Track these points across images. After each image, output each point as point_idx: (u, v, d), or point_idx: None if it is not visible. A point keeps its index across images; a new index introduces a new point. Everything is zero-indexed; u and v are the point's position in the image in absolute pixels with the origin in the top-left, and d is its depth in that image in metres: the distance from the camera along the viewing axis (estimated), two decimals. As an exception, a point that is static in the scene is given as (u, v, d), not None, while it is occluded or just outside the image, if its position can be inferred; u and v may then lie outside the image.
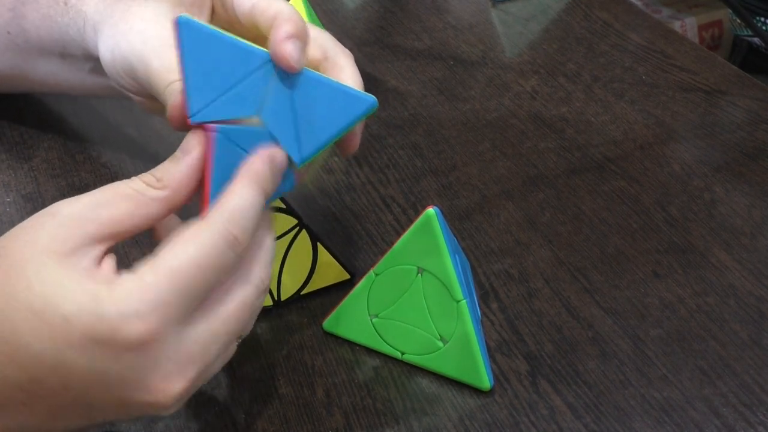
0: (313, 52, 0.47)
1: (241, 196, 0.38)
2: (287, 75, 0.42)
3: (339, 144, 0.45)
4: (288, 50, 0.41)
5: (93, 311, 0.34)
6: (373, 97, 0.43)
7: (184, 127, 0.42)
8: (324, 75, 0.43)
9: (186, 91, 0.41)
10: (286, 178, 0.43)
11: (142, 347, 0.35)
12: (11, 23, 0.60)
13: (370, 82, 0.77)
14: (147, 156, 0.66)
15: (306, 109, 0.42)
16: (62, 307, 0.34)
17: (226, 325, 0.38)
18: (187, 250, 0.36)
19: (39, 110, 0.71)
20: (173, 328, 0.36)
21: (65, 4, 0.56)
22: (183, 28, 0.41)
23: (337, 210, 0.62)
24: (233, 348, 0.40)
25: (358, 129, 0.46)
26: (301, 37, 0.42)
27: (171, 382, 0.36)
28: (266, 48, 0.42)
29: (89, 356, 0.35)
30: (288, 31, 0.41)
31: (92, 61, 0.55)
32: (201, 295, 0.37)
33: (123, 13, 0.51)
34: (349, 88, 0.43)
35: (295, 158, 0.42)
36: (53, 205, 0.37)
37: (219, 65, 0.41)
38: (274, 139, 0.42)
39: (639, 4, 1.49)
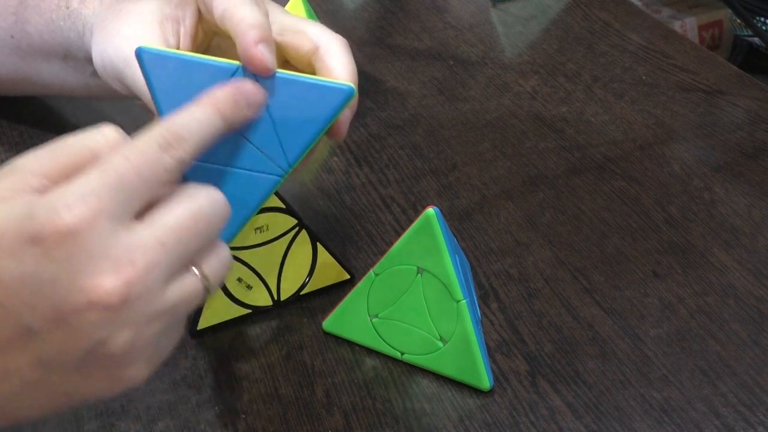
0: (305, 43, 0.47)
1: (186, 111, 0.38)
2: (258, 81, 0.41)
3: (327, 134, 0.44)
4: (260, 54, 0.41)
5: (23, 214, 0.34)
6: (350, 85, 0.42)
7: None
8: (295, 73, 0.42)
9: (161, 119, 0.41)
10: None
11: (71, 238, 0.33)
12: (14, 27, 0.60)
13: (370, 82, 0.77)
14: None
15: (284, 112, 0.41)
16: None
17: (174, 233, 0.36)
18: (120, 150, 0.36)
19: (39, 110, 0.71)
20: (106, 222, 0.34)
21: (67, 7, 0.56)
22: (144, 57, 0.41)
23: (337, 210, 0.62)
24: (194, 284, 0.37)
25: (345, 117, 0.45)
26: (268, 41, 0.42)
27: (104, 277, 0.34)
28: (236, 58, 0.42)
29: (19, 259, 0.33)
30: (255, 37, 0.41)
31: (94, 66, 0.55)
32: (136, 195, 0.35)
33: (114, 17, 0.51)
34: (324, 80, 0.42)
35: (282, 164, 0.42)
36: (17, 158, 0.37)
37: (188, 87, 0.41)
38: (252, 145, 0.42)
39: (639, 4, 1.49)
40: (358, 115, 0.71)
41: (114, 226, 0.34)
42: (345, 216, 0.62)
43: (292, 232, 0.52)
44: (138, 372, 0.37)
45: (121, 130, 0.38)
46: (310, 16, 0.72)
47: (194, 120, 0.38)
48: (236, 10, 0.43)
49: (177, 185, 0.38)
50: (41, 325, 0.34)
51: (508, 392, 0.49)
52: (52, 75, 0.61)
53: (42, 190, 0.35)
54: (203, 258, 0.38)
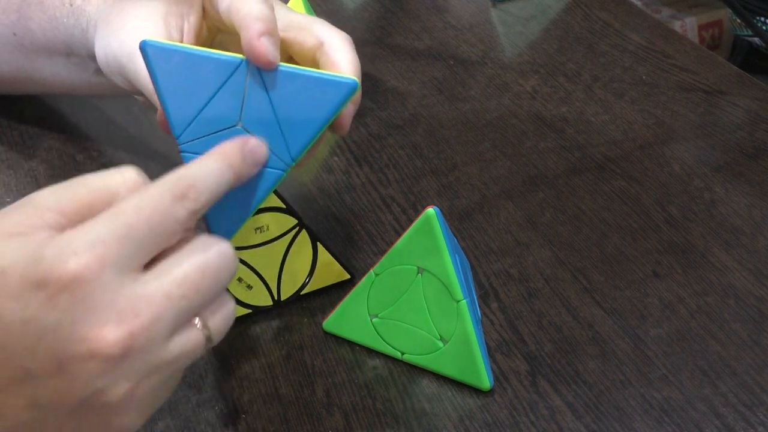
0: (309, 39, 0.47)
1: (198, 162, 0.38)
2: (261, 75, 0.41)
3: (330, 128, 0.44)
4: (263, 47, 0.41)
5: (31, 257, 0.33)
6: (354, 78, 0.42)
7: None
8: (299, 66, 0.42)
9: (166, 115, 0.41)
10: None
11: (77, 286, 0.33)
12: (17, 25, 0.60)
13: (370, 82, 0.77)
14: (147, 155, 0.66)
15: (287, 105, 0.41)
16: (1, 262, 0.34)
17: (180, 288, 0.35)
18: (131, 198, 0.35)
19: (39, 110, 0.71)
20: (113, 272, 0.34)
21: (71, 5, 0.56)
22: (149, 51, 0.41)
23: (337, 210, 0.62)
24: (197, 338, 0.37)
25: (348, 111, 0.46)
26: (273, 34, 0.42)
27: (107, 328, 0.33)
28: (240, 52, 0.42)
29: (23, 303, 0.33)
30: (259, 29, 0.41)
31: (96, 61, 0.55)
32: (145, 245, 0.35)
33: (118, 12, 0.51)
34: (328, 74, 0.42)
35: (285, 158, 0.42)
36: (36, 192, 0.37)
37: (192, 81, 0.41)
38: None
39: (639, 4, 1.49)
40: (358, 115, 0.71)
41: (120, 277, 0.34)
42: (345, 216, 0.62)
43: (293, 232, 0.52)
44: (131, 421, 0.36)
45: (141, 173, 0.38)
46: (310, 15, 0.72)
47: (207, 171, 0.37)
48: (242, 4, 0.43)
49: (189, 233, 0.37)
50: (40, 370, 0.34)
51: (508, 392, 0.49)
52: (55, 73, 0.61)
53: (57, 227, 0.35)
54: (208, 311, 0.37)
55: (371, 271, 0.49)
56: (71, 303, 0.33)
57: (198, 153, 0.41)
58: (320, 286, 0.54)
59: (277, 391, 0.49)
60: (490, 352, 0.51)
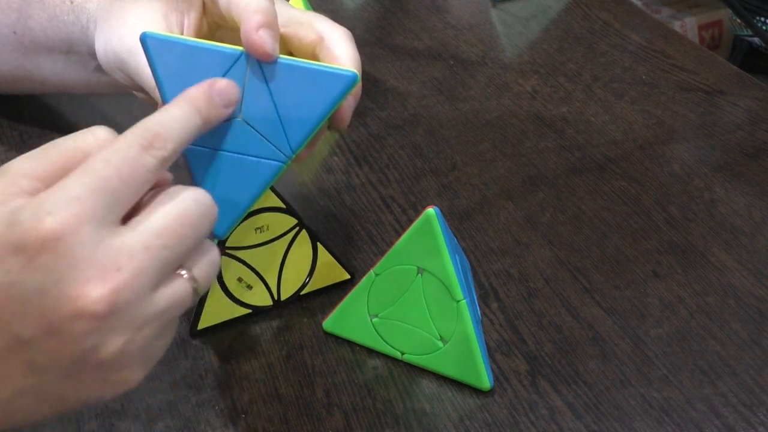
0: (308, 34, 0.47)
1: (164, 110, 0.38)
2: (261, 67, 0.41)
3: (330, 121, 0.44)
4: (261, 39, 0.41)
5: (7, 222, 0.33)
6: (353, 71, 0.42)
7: None
8: (299, 59, 0.42)
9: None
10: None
11: (55, 245, 0.33)
12: (17, 23, 0.60)
13: (370, 82, 0.77)
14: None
15: (286, 98, 0.42)
16: None
17: (160, 238, 0.35)
18: (100, 154, 0.35)
19: (39, 110, 0.71)
20: (91, 227, 0.34)
21: (71, 2, 0.56)
22: (149, 43, 0.41)
23: (337, 210, 0.62)
24: (183, 287, 0.37)
25: (348, 104, 0.45)
26: (273, 26, 0.42)
27: (91, 285, 0.33)
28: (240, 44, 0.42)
29: (5, 268, 0.33)
30: (258, 21, 0.41)
31: (96, 58, 0.55)
32: (119, 197, 0.35)
33: (118, 9, 0.51)
34: (328, 66, 0.42)
35: (285, 150, 0.42)
36: (10, 162, 0.37)
37: (192, 73, 0.41)
38: (253, 130, 0.42)
39: (639, 4, 1.49)
40: (359, 115, 0.71)
41: (98, 231, 0.34)
42: (345, 216, 0.62)
43: (293, 232, 0.52)
44: (132, 375, 0.36)
45: (113, 131, 0.38)
46: (310, 16, 0.72)
47: (172, 119, 0.37)
48: None
49: (163, 187, 0.37)
50: (31, 334, 0.34)
51: (508, 392, 0.49)
52: (55, 71, 0.61)
53: (33, 192, 0.35)
54: (192, 260, 0.37)
55: (371, 271, 0.49)
56: (52, 263, 0.33)
57: (198, 145, 0.41)
58: (320, 286, 0.54)
59: (277, 391, 0.49)
60: (490, 352, 0.51)
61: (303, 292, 0.54)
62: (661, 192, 0.64)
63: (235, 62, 0.41)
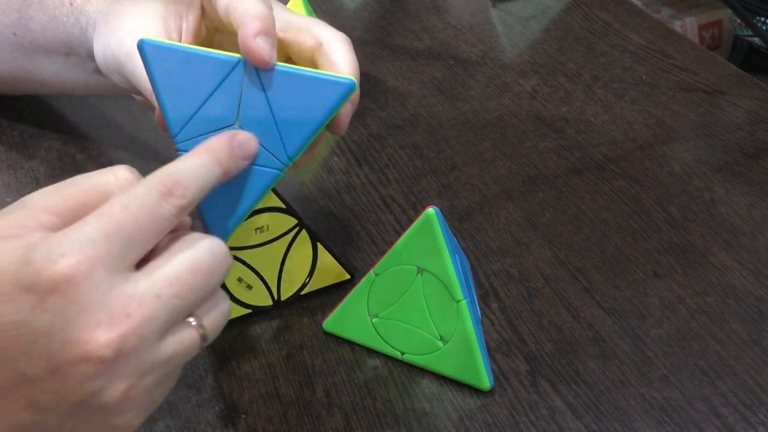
0: (307, 40, 0.47)
1: (185, 159, 0.38)
2: (259, 75, 0.41)
3: (328, 128, 0.44)
4: (258, 46, 0.41)
5: (22, 260, 0.33)
6: (351, 78, 0.42)
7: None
8: (296, 66, 0.42)
9: (164, 114, 0.42)
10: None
11: (67, 287, 0.33)
12: (17, 24, 0.60)
13: (370, 82, 0.77)
14: (146, 155, 0.66)
15: (284, 105, 0.41)
16: None
17: (172, 287, 0.35)
18: (118, 198, 0.35)
19: (39, 110, 0.71)
20: (103, 272, 0.34)
21: (71, 4, 0.56)
22: (146, 49, 0.41)
23: (337, 210, 0.62)
24: (191, 336, 0.37)
25: (346, 111, 0.45)
26: (270, 33, 0.42)
27: (99, 330, 0.33)
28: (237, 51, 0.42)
29: (15, 306, 0.33)
30: (256, 28, 0.41)
31: (95, 61, 0.56)
32: (134, 243, 0.35)
33: (117, 11, 0.52)
34: (325, 74, 0.42)
35: (282, 158, 0.42)
36: (30, 194, 0.37)
37: (189, 80, 0.41)
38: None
39: (639, 4, 1.49)
40: (358, 115, 0.71)
41: (110, 276, 0.34)
42: (345, 216, 0.62)
43: (293, 232, 0.52)
44: (132, 420, 0.36)
45: (134, 171, 0.38)
46: (310, 16, 0.72)
47: (193, 167, 0.37)
48: (239, 3, 0.43)
49: (181, 232, 0.37)
50: (36, 373, 0.34)
51: (508, 392, 0.49)
52: (54, 72, 0.61)
53: (51, 227, 0.35)
54: (202, 309, 0.37)
55: (371, 271, 0.49)
56: (62, 304, 0.33)
57: None
58: (320, 286, 0.54)
59: (277, 391, 0.49)
60: (490, 352, 0.51)
61: (303, 292, 0.54)
62: (661, 192, 0.64)
63: (233, 69, 0.41)
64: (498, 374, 0.50)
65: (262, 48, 0.41)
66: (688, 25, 1.57)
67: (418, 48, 0.83)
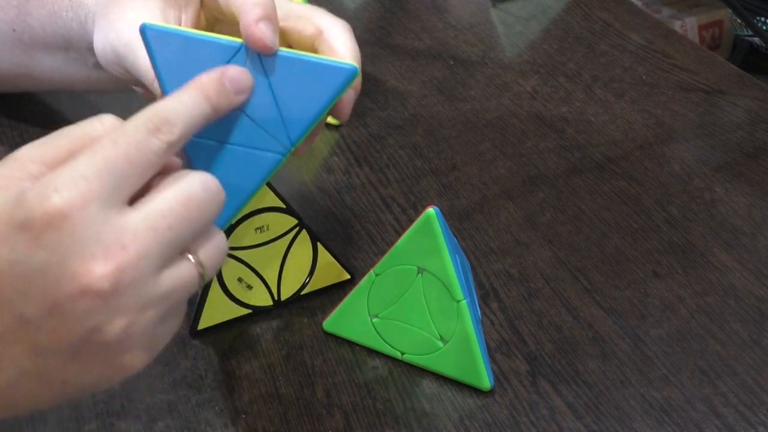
0: (307, 28, 0.47)
1: (174, 95, 0.38)
2: (261, 60, 0.41)
3: (332, 112, 0.44)
4: (261, 32, 0.41)
5: (14, 200, 0.34)
6: (353, 64, 0.42)
7: None
8: (299, 52, 0.42)
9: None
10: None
11: (61, 222, 0.33)
12: (16, 20, 0.60)
13: (370, 82, 0.77)
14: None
15: (286, 91, 0.41)
16: None
17: (165, 218, 0.35)
18: (108, 136, 0.36)
19: (39, 110, 0.71)
20: (97, 206, 0.34)
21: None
22: (148, 34, 0.41)
23: (337, 210, 0.62)
24: (188, 270, 0.37)
25: (348, 97, 0.45)
26: (272, 19, 0.42)
27: (95, 262, 0.33)
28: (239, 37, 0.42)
29: (10, 246, 0.33)
30: (258, 14, 0.41)
31: (95, 54, 0.55)
32: (126, 178, 0.35)
33: (116, 3, 0.52)
34: (328, 60, 0.42)
35: (284, 143, 0.42)
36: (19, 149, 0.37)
37: (192, 65, 0.41)
38: (254, 122, 0.42)
39: (639, 4, 1.49)
40: (359, 115, 0.71)
41: (104, 210, 0.34)
42: (345, 216, 0.62)
43: (293, 232, 0.52)
44: (136, 359, 0.36)
45: (120, 119, 0.38)
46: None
47: (181, 104, 0.37)
48: None
49: (170, 171, 0.37)
50: (34, 313, 0.34)
51: (508, 392, 0.49)
52: (54, 68, 0.61)
53: (40, 177, 0.35)
54: (198, 244, 0.37)
55: (371, 271, 0.49)
56: (57, 240, 0.33)
57: (199, 137, 0.41)
58: (320, 286, 0.54)
59: (277, 391, 0.49)
60: (490, 352, 0.51)
61: (303, 292, 0.54)
62: (661, 192, 0.64)
63: (235, 54, 0.41)
64: (498, 374, 0.50)
65: (265, 33, 0.41)
66: (688, 25, 1.57)
67: (418, 48, 0.83)
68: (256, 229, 0.51)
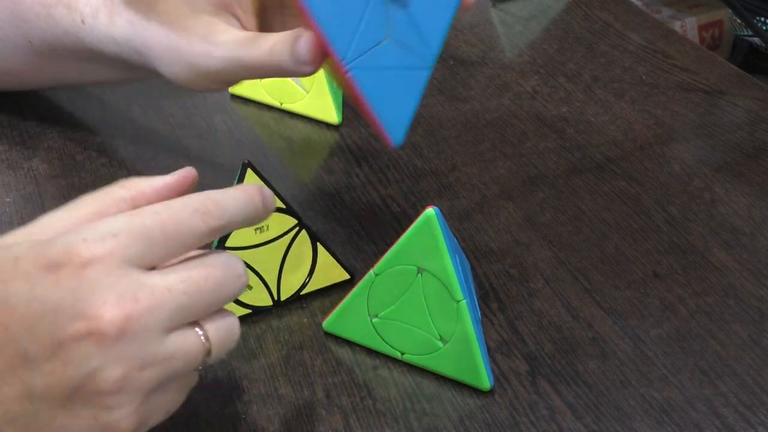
0: None
1: (225, 190, 0.40)
2: None
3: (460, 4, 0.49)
4: None
5: (47, 243, 0.36)
6: None
7: (316, 69, 0.46)
8: None
9: (328, 39, 0.43)
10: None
11: (82, 270, 0.35)
12: (30, 32, 0.61)
13: (370, 82, 0.77)
14: (146, 156, 0.66)
15: (420, 8, 0.46)
16: (15, 250, 0.36)
17: (183, 284, 0.37)
18: (154, 205, 0.38)
19: (39, 110, 0.71)
20: (119, 263, 0.35)
21: (83, 22, 0.57)
22: None
23: (337, 210, 0.62)
24: (194, 341, 0.38)
25: None
26: None
27: (106, 308, 0.35)
28: None
29: (31, 284, 0.35)
30: None
31: (122, 61, 0.56)
32: (155, 248, 0.37)
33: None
34: None
35: (428, 58, 0.46)
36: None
37: (343, 3, 0.43)
38: (402, 46, 0.45)
39: (639, 4, 1.49)
40: (359, 115, 0.71)
41: (125, 268, 0.36)
42: (345, 216, 0.62)
43: (292, 232, 0.52)
44: (124, 420, 0.36)
45: (142, 178, 0.41)
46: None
47: (233, 198, 0.39)
48: None
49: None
50: (37, 352, 0.35)
51: (508, 392, 0.49)
52: (81, 70, 0.63)
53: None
54: (210, 320, 0.38)
55: (371, 271, 0.49)
56: (75, 284, 0.35)
57: (365, 68, 0.44)
58: (320, 286, 0.54)
59: (277, 391, 0.49)
60: (490, 352, 0.51)
61: (303, 292, 0.54)
62: (661, 192, 0.64)
63: None
64: (498, 374, 0.50)
65: None
66: (688, 25, 1.57)
67: (418, 48, 0.83)
68: (255, 229, 0.51)
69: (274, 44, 0.47)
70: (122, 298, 0.35)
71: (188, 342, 0.37)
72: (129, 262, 0.36)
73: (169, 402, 0.39)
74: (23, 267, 0.35)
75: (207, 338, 0.38)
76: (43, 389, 0.35)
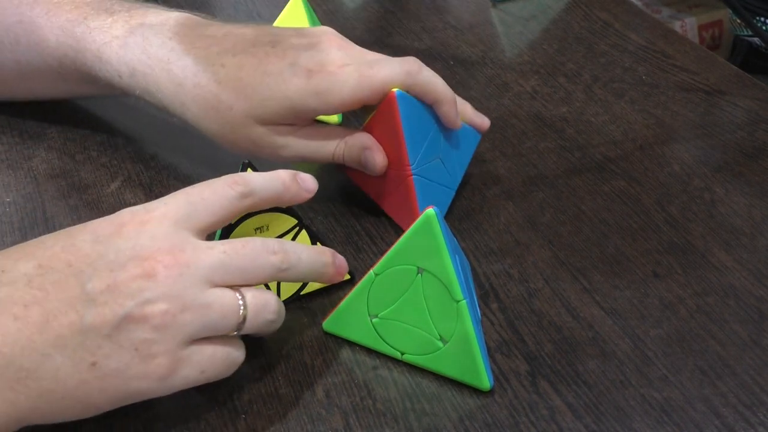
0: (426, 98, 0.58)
1: (256, 173, 0.49)
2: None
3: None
4: (481, 120, 0.63)
5: (115, 216, 0.45)
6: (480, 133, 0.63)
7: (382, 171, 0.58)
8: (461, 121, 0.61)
9: (407, 149, 0.56)
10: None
11: (142, 224, 0.43)
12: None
13: (370, 82, 0.77)
14: (147, 156, 0.66)
15: (455, 145, 0.61)
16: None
17: (224, 245, 0.44)
18: (199, 184, 0.46)
19: (39, 110, 0.71)
20: (171, 222, 0.44)
21: (127, 76, 0.60)
22: (401, 101, 0.56)
23: (337, 210, 0.62)
24: (232, 301, 0.44)
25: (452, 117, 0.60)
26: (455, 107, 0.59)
27: (159, 253, 0.42)
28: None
29: (97, 235, 0.43)
30: (470, 112, 0.63)
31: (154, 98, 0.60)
32: (198, 211, 0.45)
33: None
34: (469, 127, 0.62)
35: (453, 184, 0.61)
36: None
37: (419, 124, 0.57)
38: (444, 167, 0.60)
39: (639, 4, 1.49)
40: (359, 115, 0.71)
41: (176, 227, 0.44)
42: (345, 216, 0.62)
43: (292, 232, 0.52)
44: (161, 356, 0.41)
45: (142, 206, 0.47)
46: (310, 17, 0.72)
47: (260, 176, 0.48)
48: (436, 81, 0.59)
49: None
50: (94, 287, 0.41)
51: (508, 392, 0.49)
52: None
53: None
54: (248, 290, 0.45)
55: (371, 271, 0.49)
56: (135, 234, 0.43)
57: (423, 177, 0.58)
58: (320, 286, 0.54)
59: (277, 391, 0.49)
60: (490, 352, 0.51)
61: (303, 292, 0.54)
62: (661, 192, 0.64)
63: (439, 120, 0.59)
64: (498, 374, 0.50)
65: (484, 121, 0.63)
66: (688, 25, 1.57)
67: (418, 48, 0.83)
68: (255, 230, 0.51)
69: (336, 148, 0.58)
70: (173, 247, 0.42)
71: (226, 298, 0.43)
72: (177, 222, 0.44)
73: (204, 360, 0.43)
74: (91, 227, 0.43)
75: (244, 303, 0.44)
76: (94, 320, 0.40)
